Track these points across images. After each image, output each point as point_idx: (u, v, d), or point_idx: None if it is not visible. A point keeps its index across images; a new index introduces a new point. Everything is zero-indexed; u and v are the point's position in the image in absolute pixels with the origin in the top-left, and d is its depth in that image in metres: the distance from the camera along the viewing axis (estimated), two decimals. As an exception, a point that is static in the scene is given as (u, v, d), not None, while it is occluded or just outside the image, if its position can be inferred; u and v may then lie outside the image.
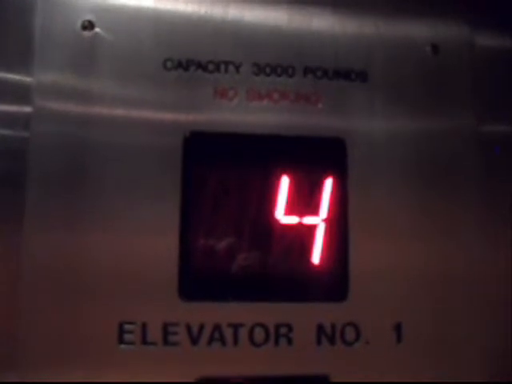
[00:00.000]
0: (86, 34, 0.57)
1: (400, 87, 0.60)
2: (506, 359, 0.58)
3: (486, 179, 0.60)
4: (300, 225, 0.57)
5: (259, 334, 0.55)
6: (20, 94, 0.56)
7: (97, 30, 0.57)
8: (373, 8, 0.62)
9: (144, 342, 0.53)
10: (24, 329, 0.52)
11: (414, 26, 0.62)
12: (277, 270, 0.56)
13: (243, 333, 0.55)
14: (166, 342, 0.54)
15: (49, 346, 0.52)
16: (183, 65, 0.57)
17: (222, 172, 0.57)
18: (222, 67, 0.58)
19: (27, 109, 0.56)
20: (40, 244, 0.53)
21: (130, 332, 0.53)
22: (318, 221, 0.57)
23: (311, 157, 0.58)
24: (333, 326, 0.56)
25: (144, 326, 0.54)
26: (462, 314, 0.57)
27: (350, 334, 0.56)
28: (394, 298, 0.57)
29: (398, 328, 0.56)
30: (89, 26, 0.57)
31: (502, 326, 0.58)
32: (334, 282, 0.57)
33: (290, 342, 0.55)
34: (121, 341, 0.53)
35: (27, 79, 0.56)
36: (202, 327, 0.54)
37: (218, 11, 0.59)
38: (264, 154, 0.58)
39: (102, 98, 0.56)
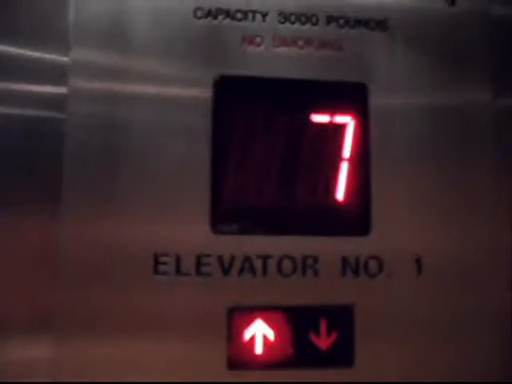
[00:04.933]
0: None
1: (418, 38, 0.63)
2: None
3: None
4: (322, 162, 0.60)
5: (287, 265, 0.58)
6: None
7: None
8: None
9: (178, 272, 0.56)
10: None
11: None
12: (303, 205, 0.59)
13: (272, 264, 0.57)
14: (198, 272, 0.56)
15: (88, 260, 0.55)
16: (212, 13, 0.60)
17: (250, 113, 0.60)
18: (250, 16, 0.61)
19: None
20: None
21: (165, 263, 0.56)
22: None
23: (334, 100, 0.61)
24: (357, 259, 0.59)
25: (178, 258, 0.56)
26: (483, 244, 0.60)
27: (373, 266, 0.59)
28: (414, 231, 0.60)
29: (418, 261, 0.59)
30: None
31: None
32: (357, 217, 0.59)
33: (316, 273, 0.58)
34: (156, 271, 0.56)
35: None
36: (232, 259, 0.57)
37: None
38: (289, 97, 0.60)
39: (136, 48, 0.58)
